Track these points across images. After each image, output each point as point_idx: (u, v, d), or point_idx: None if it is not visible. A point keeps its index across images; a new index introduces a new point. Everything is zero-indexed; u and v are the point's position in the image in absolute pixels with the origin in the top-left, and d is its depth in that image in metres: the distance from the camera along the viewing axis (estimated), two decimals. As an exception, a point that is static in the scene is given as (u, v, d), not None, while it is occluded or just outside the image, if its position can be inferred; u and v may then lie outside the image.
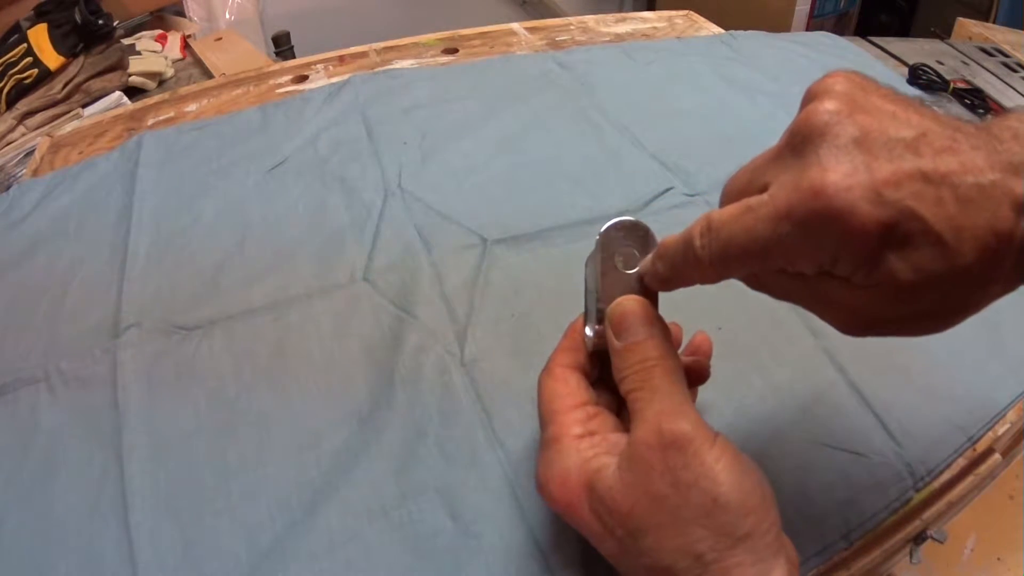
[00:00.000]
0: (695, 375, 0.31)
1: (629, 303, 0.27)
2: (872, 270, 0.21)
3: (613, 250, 0.28)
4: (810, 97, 0.23)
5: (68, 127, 0.68)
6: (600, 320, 0.28)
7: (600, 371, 0.30)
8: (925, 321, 0.22)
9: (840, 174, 0.20)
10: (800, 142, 0.22)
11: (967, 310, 0.22)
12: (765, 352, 0.39)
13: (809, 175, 0.20)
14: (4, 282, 0.47)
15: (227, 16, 1.23)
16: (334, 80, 0.67)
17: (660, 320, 0.28)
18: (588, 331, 0.29)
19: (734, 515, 0.23)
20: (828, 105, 0.21)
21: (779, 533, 0.24)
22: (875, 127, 0.21)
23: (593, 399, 0.28)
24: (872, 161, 0.20)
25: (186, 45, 1.05)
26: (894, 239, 0.20)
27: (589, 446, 0.26)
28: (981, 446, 0.36)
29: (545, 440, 0.27)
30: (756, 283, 0.26)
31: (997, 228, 0.19)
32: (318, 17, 1.56)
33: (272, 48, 1.22)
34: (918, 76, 0.70)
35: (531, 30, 0.80)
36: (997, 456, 0.35)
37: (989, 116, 0.22)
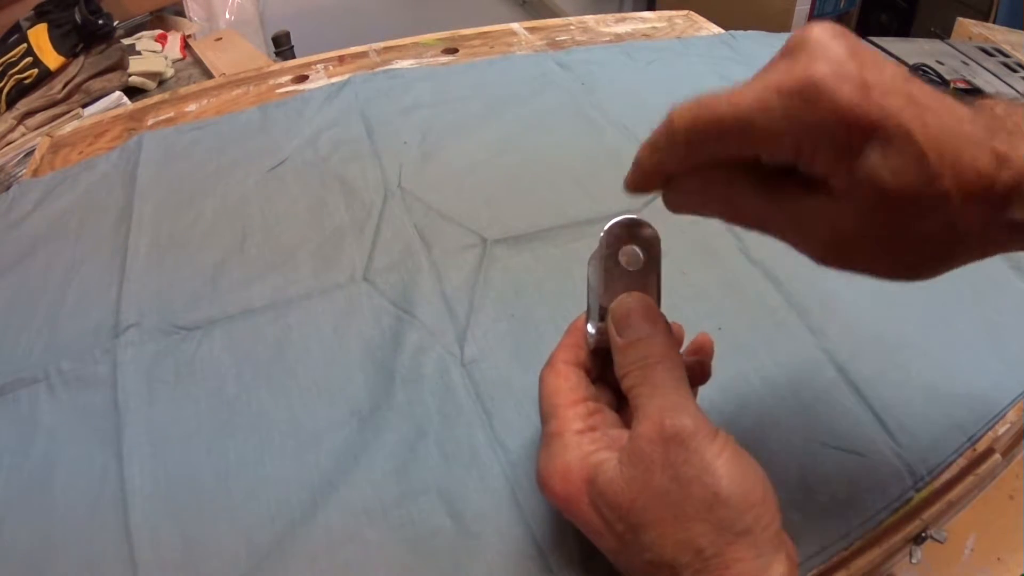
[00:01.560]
0: (697, 375, 0.31)
1: (632, 300, 0.28)
2: (852, 166, 0.20)
3: (616, 248, 0.28)
4: (793, 40, 0.22)
5: (68, 127, 0.68)
6: (602, 317, 0.29)
7: (601, 369, 0.30)
8: (902, 256, 0.22)
9: (833, 68, 0.20)
10: (792, 49, 0.21)
11: (945, 256, 0.22)
12: (765, 352, 0.39)
13: (802, 63, 0.21)
14: (4, 282, 0.47)
15: (227, 16, 1.23)
16: (334, 80, 0.67)
17: (662, 318, 0.28)
18: (590, 328, 0.29)
19: (735, 510, 0.23)
20: (819, 29, 0.22)
21: (779, 529, 0.24)
22: (866, 51, 0.21)
23: (594, 395, 0.28)
24: (864, 70, 0.20)
25: (186, 45, 1.05)
26: (877, 136, 0.20)
27: (590, 441, 0.26)
28: (981, 446, 0.35)
29: (546, 435, 0.27)
30: (731, 210, 0.25)
31: (978, 168, 0.20)
32: (318, 17, 1.56)
33: (272, 48, 1.22)
34: (918, 76, 0.70)
35: (531, 30, 0.80)
36: (997, 456, 0.35)
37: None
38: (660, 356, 0.26)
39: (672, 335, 0.27)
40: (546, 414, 0.28)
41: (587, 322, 0.30)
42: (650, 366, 0.26)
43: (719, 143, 0.23)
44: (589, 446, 0.26)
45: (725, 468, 0.23)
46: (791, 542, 0.24)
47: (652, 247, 0.28)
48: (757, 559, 0.23)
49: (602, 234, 0.28)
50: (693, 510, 0.23)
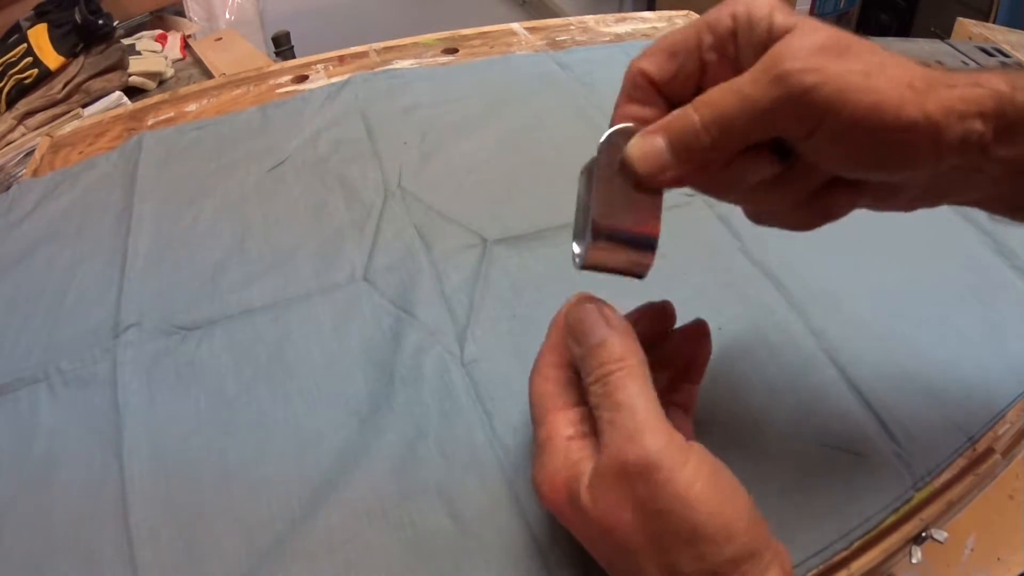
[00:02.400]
0: (694, 364, 0.31)
1: (581, 308, 0.27)
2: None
3: (615, 158, 0.25)
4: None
5: (68, 127, 0.68)
6: (595, 236, 0.26)
7: None
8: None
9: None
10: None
11: (907, 149, 0.23)
12: (765, 352, 0.39)
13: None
14: (4, 282, 0.47)
15: (227, 16, 1.23)
16: (334, 80, 0.67)
17: (617, 317, 0.27)
18: (576, 247, 0.26)
19: (717, 545, 0.22)
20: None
21: (767, 546, 0.23)
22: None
23: (583, 398, 0.27)
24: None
25: (186, 45, 1.05)
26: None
27: (579, 448, 0.26)
28: (981, 446, 0.35)
29: (538, 441, 0.27)
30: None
31: (911, 83, 0.22)
32: (318, 17, 1.56)
33: (272, 48, 1.22)
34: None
35: (531, 30, 0.80)
36: (997, 456, 0.35)
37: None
38: (618, 360, 0.25)
39: (631, 333, 0.26)
40: (537, 420, 0.27)
41: (573, 241, 0.27)
42: (608, 376, 0.25)
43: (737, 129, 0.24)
44: (576, 454, 0.25)
45: (702, 498, 0.22)
46: (786, 553, 0.24)
47: None
48: None
49: (600, 143, 0.25)
50: (671, 542, 0.22)
